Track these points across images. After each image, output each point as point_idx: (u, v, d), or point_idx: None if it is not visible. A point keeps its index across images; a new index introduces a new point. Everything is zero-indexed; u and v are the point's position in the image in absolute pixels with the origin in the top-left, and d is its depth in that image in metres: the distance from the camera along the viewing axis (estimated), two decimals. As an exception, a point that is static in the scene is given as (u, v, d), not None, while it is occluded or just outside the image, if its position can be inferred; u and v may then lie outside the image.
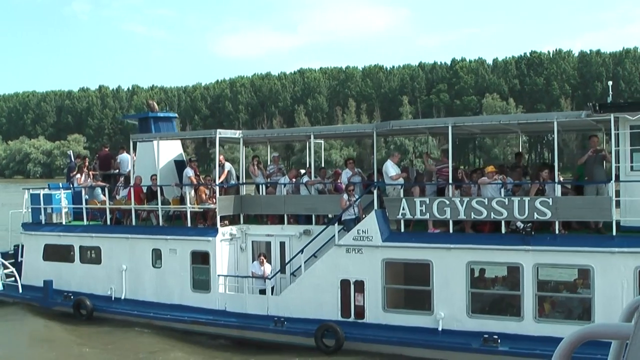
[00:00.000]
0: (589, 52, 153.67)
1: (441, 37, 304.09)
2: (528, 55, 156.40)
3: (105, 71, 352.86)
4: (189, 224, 23.71)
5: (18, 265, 27.81)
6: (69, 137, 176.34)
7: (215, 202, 23.19)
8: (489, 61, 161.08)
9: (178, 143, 28.07)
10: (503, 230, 19.13)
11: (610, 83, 20.51)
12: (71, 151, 32.28)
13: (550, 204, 18.40)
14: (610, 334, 2.20)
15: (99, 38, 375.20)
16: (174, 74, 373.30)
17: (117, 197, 26.79)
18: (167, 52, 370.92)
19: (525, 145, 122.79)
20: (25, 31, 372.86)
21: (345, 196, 21.31)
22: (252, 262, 23.05)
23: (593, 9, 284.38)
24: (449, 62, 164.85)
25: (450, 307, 19.42)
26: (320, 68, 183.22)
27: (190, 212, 23.68)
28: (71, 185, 28.28)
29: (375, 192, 20.95)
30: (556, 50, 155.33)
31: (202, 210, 23.90)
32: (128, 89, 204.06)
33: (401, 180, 21.02)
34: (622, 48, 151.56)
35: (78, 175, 28.17)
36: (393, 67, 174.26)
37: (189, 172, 24.47)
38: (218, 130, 23.66)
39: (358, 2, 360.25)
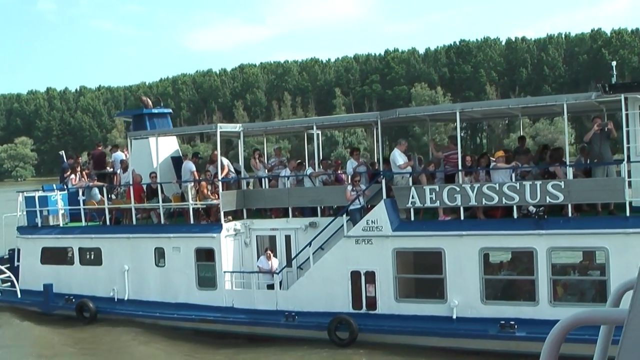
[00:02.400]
0: (514, 39, 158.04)
1: (410, 24, 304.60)
2: (457, 44, 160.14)
3: (69, 71, 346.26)
4: (192, 221, 23.39)
5: (14, 270, 27.32)
6: (16, 140, 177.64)
7: (218, 198, 22.89)
8: (422, 51, 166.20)
9: (174, 139, 27.69)
10: (515, 215, 19.01)
11: (614, 63, 20.41)
12: (62, 152, 31.71)
13: (563, 187, 18.30)
14: (604, 319, 2.22)
15: (65, 37, 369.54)
16: (144, 70, 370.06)
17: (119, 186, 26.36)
18: (137, 48, 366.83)
19: (467, 132, 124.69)
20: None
21: (349, 187, 21.12)
22: (259, 257, 22.79)
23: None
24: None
25: (464, 295, 19.30)
26: (261, 63, 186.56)
27: (193, 208, 23.35)
28: (65, 187, 27.80)
29: (383, 181, 20.76)
30: (484, 38, 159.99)
31: (204, 206, 23.58)
32: (76, 90, 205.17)
33: (409, 169, 20.83)
34: (546, 34, 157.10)
35: (72, 176, 27.71)
36: (329, 60, 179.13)
37: (191, 166, 24.12)
38: (219, 125, 23.36)
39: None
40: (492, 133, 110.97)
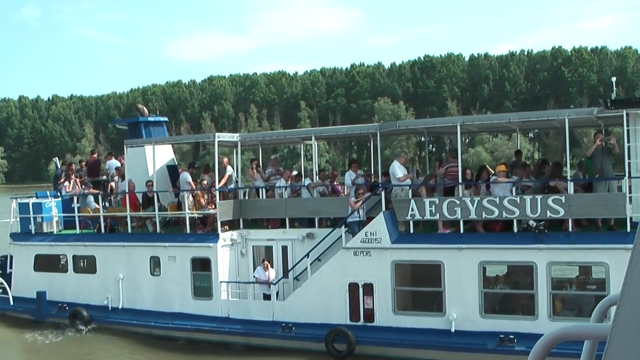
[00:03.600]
0: (477, 55, 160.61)
1: (392, 37, 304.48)
2: (422, 59, 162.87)
3: (46, 79, 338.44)
4: (188, 230, 23.26)
5: (6, 277, 27.08)
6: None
7: (215, 207, 22.79)
8: (387, 65, 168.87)
9: (169, 148, 27.56)
10: (515, 229, 19.00)
11: (614, 79, 20.48)
12: (56, 158, 31.50)
13: (563, 201, 18.30)
14: (587, 335, 2.23)
15: (47, 45, 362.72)
16: (127, 79, 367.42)
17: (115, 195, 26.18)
18: (119, 57, 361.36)
19: (434, 146, 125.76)
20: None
21: (353, 198, 21.05)
22: (255, 267, 22.69)
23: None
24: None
25: (462, 308, 19.25)
26: (230, 75, 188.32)
27: (190, 217, 23.23)
28: (58, 193, 27.62)
29: (382, 193, 20.70)
30: (447, 54, 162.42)
31: (201, 215, 23.45)
32: (48, 98, 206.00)
33: (409, 182, 20.79)
34: (509, 51, 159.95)
35: (66, 183, 27.52)
36: (296, 73, 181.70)
37: (187, 177, 24.00)
38: (217, 134, 23.28)
39: (310, 4, 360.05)
40: (450, 145, 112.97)
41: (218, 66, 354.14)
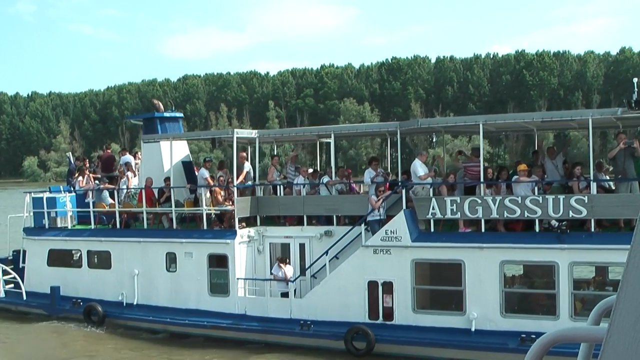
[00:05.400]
0: (442, 57, 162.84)
1: (389, 36, 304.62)
2: (389, 61, 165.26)
3: (30, 75, 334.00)
4: (205, 227, 23.18)
5: (19, 271, 26.98)
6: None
7: (232, 204, 22.72)
8: (356, 66, 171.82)
9: (185, 144, 27.49)
10: (537, 229, 18.95)
11: (635, 80, 20.38)
12: (69, 153, 31.38)
13: (586, 201, 18.26)
14: (583, 337, 2.24)
15: (42, 40, 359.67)
16: (116, 76, 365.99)
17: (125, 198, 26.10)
18: (114, 53, 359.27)
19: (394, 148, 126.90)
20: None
21: (374, 197, 20.99)
22: (272, 264, 22.63)
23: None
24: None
25: (483, 307, 19.20)
26: (206, 74, 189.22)
27: (207, 214, 23.15)
28: (72, 188, 27.54)
29: (403, 191, 20.64)
30: (414, 56, 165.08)
31: (218, 212, 23.39)
32: (28, 95, 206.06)
33: (430, 180, 20.74)
34: (473, 54, 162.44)
35: (80, 178, 27.43)
36: (267, 73, 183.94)
37: (204, 173, 23.93)
38: (235, 130, 23.24)
39: (306, 2, 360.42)
40: (415, 148, 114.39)
41: (212, 63, 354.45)
